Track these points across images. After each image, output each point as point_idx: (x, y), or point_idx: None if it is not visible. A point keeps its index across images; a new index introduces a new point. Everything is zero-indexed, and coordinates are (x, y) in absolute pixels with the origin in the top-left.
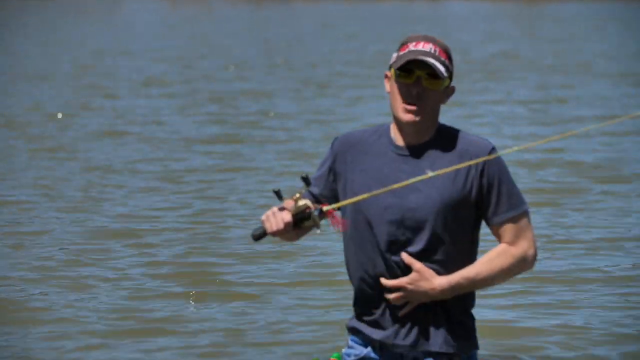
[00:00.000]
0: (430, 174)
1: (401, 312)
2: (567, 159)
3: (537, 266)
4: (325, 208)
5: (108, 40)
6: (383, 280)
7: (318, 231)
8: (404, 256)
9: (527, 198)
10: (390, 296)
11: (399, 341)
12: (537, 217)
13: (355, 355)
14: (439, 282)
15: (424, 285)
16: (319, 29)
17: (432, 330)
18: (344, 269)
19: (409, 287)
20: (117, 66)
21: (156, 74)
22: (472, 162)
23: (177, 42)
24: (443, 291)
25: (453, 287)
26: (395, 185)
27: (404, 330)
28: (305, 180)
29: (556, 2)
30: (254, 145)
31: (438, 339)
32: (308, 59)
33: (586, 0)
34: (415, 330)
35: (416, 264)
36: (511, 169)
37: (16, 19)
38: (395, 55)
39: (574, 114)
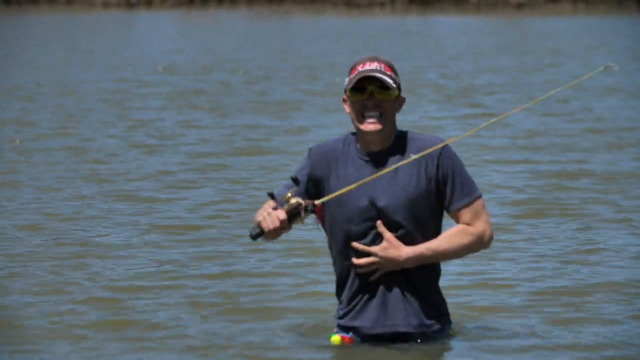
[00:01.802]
0: (413, 156)
1: (371, 278)
2: None
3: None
4: (316, 202)
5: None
6: (355, 244)
7: (301, 225)
8: (378, 224)
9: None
10: (362, 261)
11: (379, 329)
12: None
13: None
14: (405, 250)
15: (392, 252)
16: (306, 44)
17: (407, 313)
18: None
19: (380, 253)
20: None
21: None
22: (421, 154)
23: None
24: (408, 259)
25: (417, 256)
26: (367, 178)
27: (382, 317)
28: (295, 180)
29: (544, 16)
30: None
31: (413, 321)
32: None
33: (580, 14)
34: (393, 316)
35: (386, 234)
36: None
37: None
38: (347, 79)
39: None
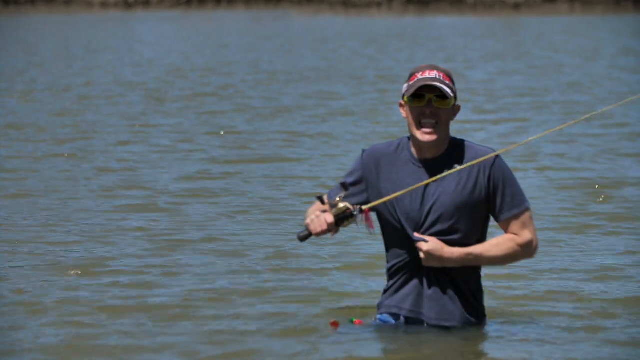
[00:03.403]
0: (457, 167)
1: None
2: None
3: None
4: (364, 207)
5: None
6: (416, 235)
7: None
8: (415, 235)
9: None
10: (420, 252)
11: (422, 316)
12: None
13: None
14: (449, 250)
15: (436, 250)
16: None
17: (440, 309)
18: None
19: (424, 248)
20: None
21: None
22: (472, 163)
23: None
24: (450, 259)
25: (460, 258)
26: (415, 186)
27: (426, 306)
28: (344, 186)
29: (539, 15)
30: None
31: (445, 317)
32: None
33: (576, 14)
34: (435, 307)
35: (424, 244)
36: None
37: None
38: (405, 85)
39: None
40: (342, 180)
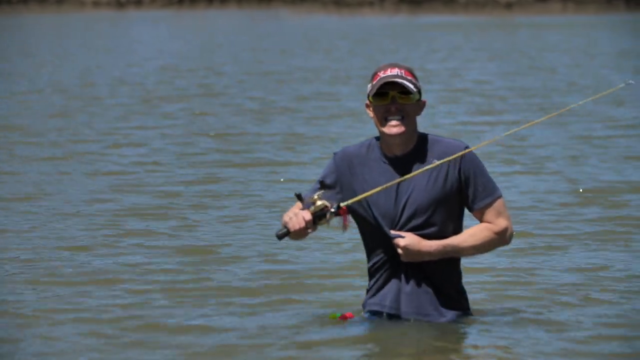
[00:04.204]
0: (435, 162)
1: (393, 266)
2: None
3: None
4: (342, 204)
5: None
6: (392, 232)
7: (326, 226)
8: (392, 233)
9: None
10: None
11: (402, 312)
12: None
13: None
14: (426, 244)
15: (414, 245)
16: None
17: (419, 303)
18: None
19: (401, 243)
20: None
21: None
22: (449, 158)
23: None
24: (429, 252)
25: (438, 250)
26: (390, 183)
27: (405, 303)
28: (322, 183)
29: (531, 14)
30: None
31: (424, 310)
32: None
33: (569, 12)
34: (414, 302)
35: (400, 239)
36: None
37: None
38: (369, 86)
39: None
40: (320, 178)
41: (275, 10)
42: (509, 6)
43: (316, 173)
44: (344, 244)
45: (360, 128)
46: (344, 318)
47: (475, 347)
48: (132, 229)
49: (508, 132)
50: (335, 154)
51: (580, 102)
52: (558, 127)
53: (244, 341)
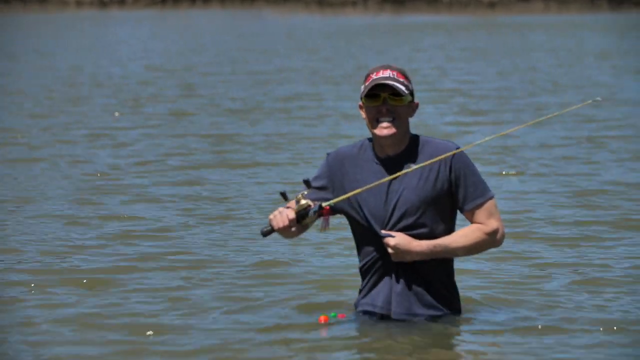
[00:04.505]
0: (413, 166)
1: (385, 266)
2: None
3: None
4: (324, 204)
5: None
6: (382, 231)
7: (311, 225)
8: (382, 232)
9: None
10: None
11: (393, 312)
12: None
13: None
14: (416, 244)
15: (403, 244)
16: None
17: (409, 304)
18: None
19: (391, 243)
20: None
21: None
22: (436, 159)
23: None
24: (419, 252)
25: (429, 251)
26: (375, 183)
27: (396, 302)
28: (307, 183)
29: (514, 14)
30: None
31: (416, 311)
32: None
33: (551, 12)
34: (404, 303)
35: (390, 238)
36: None
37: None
38: (362, 87)
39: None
40: (306, 178)
41: (258, 10)
42: (491, 5)
43: (300, 173)
44: (335, 244)
45: (345, 129)
46: (326, 319)
47: (465, 347)
48: (115, 231)
49: (502, 133)
50: (328, 154)
51: (548, 116)
52: (540, 126)
53: (234, 342)
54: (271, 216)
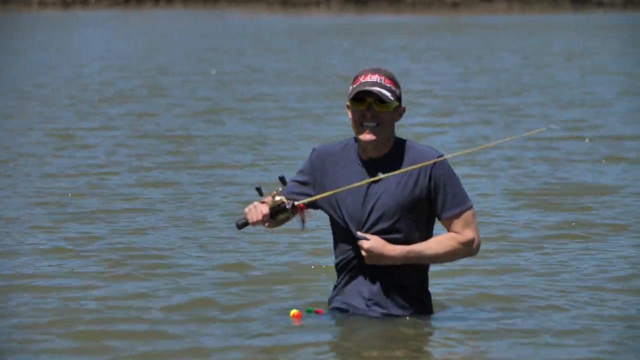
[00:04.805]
0: (381, 175)
1: (359, 268)
2: None
3: None
4: (296, 203)
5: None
6: (358, 233)
7: (291, 221)
8: (358, 234)
9: None
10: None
11: (366, 311)
12: None
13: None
14: (390, 248)
15: (377, 248)
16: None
17: (384, 304)
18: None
19: (365, 246)
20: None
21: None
22: (415, 167)
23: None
24: (392, 257)
25: (402, 256)
26: (353, 185)
27: (369, 302)
28: (282, 180)
29: (477, 14)
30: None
31: (389, 311)
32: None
33: (514, 12)
34: (378, 303)
35: (365, 241)
36: None
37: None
38: (350, 88)
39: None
40: (281, 175)
41: (220, 10)
42: (454, 5)
43: (265, 174)
44: (307, 244)
45: (310, 129)
46: (299, 315)
47: (437, 344)
48: (81, 234)
49: (490, 145)
50: (313, 150)
51: (507, 139)
52: (507, 129)
53: (210, 340)
54: (247, 209)
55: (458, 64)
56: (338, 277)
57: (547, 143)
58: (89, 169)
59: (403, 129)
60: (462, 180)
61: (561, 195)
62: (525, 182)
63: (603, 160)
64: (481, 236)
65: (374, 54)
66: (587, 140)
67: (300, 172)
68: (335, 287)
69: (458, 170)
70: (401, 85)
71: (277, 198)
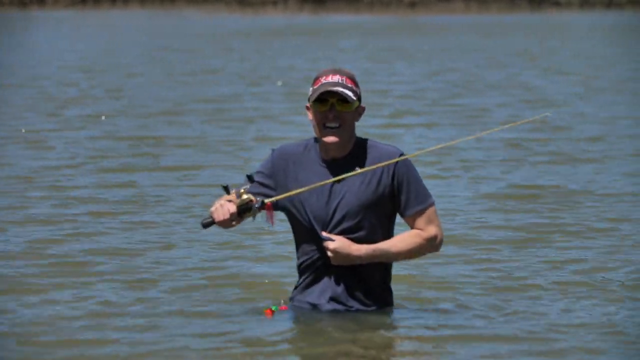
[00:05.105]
0: (358, 170)
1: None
2: None
3: None
4: (266, 200)
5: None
6: (323, 234)
7: (251, 220)
8: (323, 234)
9: None
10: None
11: (330, 308)
12: None
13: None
14: (355, 248)
15: (343, 248)
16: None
17: (354, 303)
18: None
19: (331, 246)
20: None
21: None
22: (380, 165)
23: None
24: (358, 257)
25: (367, 255)
26: (316, 184)
27: (332, 302)
28: (250, 178)
29: (435, 13)
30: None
31: (352, 306)
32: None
33: (472, 12)
34: (341, 302)
35: (331, 242)
36: None
37: None
38: (310, 89)
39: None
40: (249, 173)
41: (179, 10)
42: (412, 5)
43: (225, 175)
44: (269, 243)
45: (268, 130)
46: (270, 312)
47: (398, 337)
48: (40, 237)
49: (450, 143)
50: (273, 150)
51: (496, 129)
52: (467, 130)
53: (178, 338)
54: (212, 208)
55: (418, 64)
56: (300, 277)
57: (509, 144)
58: (46, 171)
59: (363, 129)
60: (430, 181)
61: (523, 197)
62: (489, 183)
63: (566, 161)
64: (445, 235)
65: (333, 54)
66: (549, 114)
67: (260, 172)
68: (296, 287)
69: (423, 170)
70: (360, 86)
71: (245, 196)
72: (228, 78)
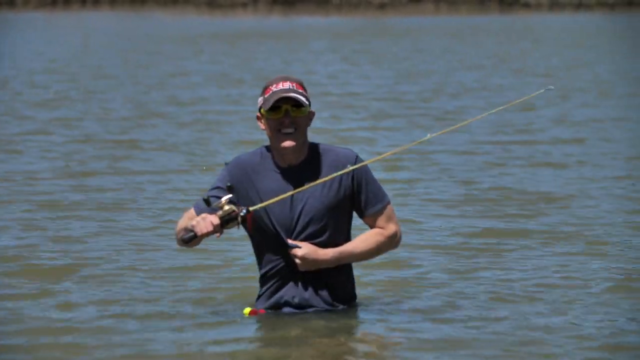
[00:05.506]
0: (340, 173)
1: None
2: None
3: None
4: (251, 208)
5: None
6: (289, 241)
7: (237, 229)
8: (289, 242)
9: None
10: (295, 257)
11: (296, 310)
12: None
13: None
14: (323, 253)
15: (310, 255)
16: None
17: (314, 302)
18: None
19: (299, 253)
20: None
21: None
22: (345, 171)
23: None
24: (325, 261)
25: (335, 258)
26: (289, 193)
27: (300, 307)
28: (230, 189)
29: (404, 15)
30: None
31: (320, 305)
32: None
33: (443, 14)
34: (309, 306)
35: (298, 249)
36: None
37: None
38: (261, 99)
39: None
40: (229, 184)
41: (149, 12)
42: (382, 7)
43: (194, 180)
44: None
45: (239, 132)
46: (254, 313)
47: (363, 334)
48: (7, 244)
49: (417, 141)
50: (227, 163)
51: (494, 110)
52: (459, 132)
53: (156, 342)
54: (194, 222)
55: (388, 66)
56: (263, 286)
57: (477, 146)
58: (16, 175)
59: (332, 133)
60: (395, 185)
61: (492, 200)
62: (455, 188)
63: (535, 165)
64: (402, 232)
65: (303, 55)
66: (552, 87)
67: (219, 188)
68: (259, 296)
69: (389, 175)
70: (329, 88)
71: (227, 207)
72: (199, 80)
